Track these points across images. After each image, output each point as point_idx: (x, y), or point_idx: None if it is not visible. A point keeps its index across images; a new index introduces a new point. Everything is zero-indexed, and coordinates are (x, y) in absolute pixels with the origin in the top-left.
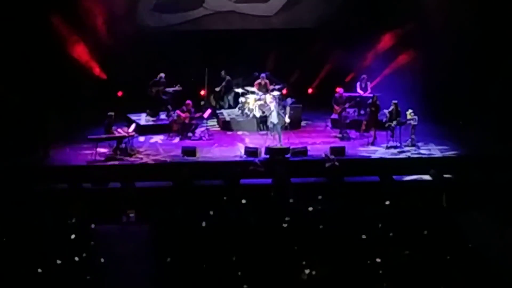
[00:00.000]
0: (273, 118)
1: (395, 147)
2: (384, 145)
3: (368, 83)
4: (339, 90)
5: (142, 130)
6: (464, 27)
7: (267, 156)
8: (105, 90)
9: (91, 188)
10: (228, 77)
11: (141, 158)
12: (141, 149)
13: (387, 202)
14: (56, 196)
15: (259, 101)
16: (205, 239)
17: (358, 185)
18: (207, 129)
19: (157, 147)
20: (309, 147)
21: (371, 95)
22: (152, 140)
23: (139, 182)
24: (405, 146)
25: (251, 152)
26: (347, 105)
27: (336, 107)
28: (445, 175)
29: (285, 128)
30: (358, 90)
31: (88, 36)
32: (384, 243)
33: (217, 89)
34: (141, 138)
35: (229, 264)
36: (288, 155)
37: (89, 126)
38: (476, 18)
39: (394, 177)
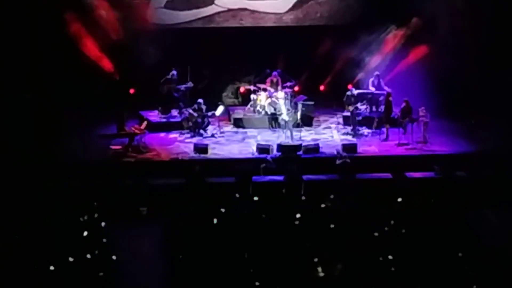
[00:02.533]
0: (285, 115)
1: (407, 144)
2: (396, 142)
3: (381, 80)
4: (351, 87)
5: (154, 127)
6: (476, 23)
7: (279, 153)
8: (117, 87)
9: (103, 185)
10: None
11: (154, 155)
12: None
13: (400, 199)
14: (68, 193)
15: (271, 98)
16: (217, 236)
17: (370, 182)
18: (219, 126)
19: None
20: (321, 144)
21: (383, 92)
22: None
23: (151, 179)
24: (417, 143)
25: (263, 149)
26: (359, 104)
27: (348, 107)
28: (458, 172)
29: (297, 125)
30: (370, 87)
31: (100, 34)
32: (396, 240)
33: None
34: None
35: (241, 261)
36: (300, 152)
37: (102, 123)
38: (488, 14)
39: (406, 174)
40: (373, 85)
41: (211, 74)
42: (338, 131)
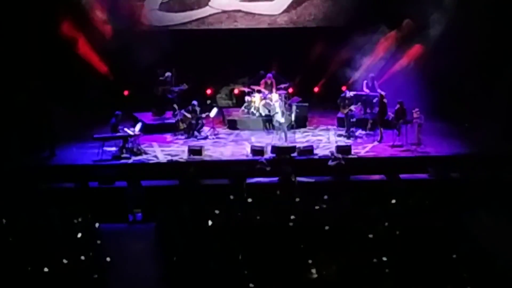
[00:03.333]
0: (279, 117)
1: (401, 145)
2: (390, 144)
3: (376, 82)
4: (345, 89)
5: (148, 129)
6: (471, 24)
7: (273, 155)
8: (112, 89)
9: (97, 187)
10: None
11: (147, 157)
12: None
13: (394, 201)
14: (63, 195)
15: (265, 100)
16: (211, 238)
17: (364, 183)
18: (213, 128)
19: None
20: (315, 146)
21: (377, 93)
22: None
23: (146, 181)
24: (411, 145)
25: (257, 151)
26: (353, 106)
27: (342, 109)
28: (452, 174)
29: (291, 127)
30: (364, 88)
31: (94, 35)
32: (390, 242)
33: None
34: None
35: (235, 262)
36: (294, 154)
37: (96, 125)
38: (483, 15)
39: (400, 175)
40: (367, 87)
41: (195, 77)
42: (335, 134)
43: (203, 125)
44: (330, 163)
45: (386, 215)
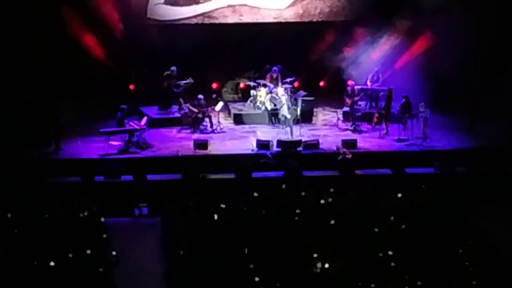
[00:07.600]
0: (285, 111)
1: (407, 140)
2: (396, 138)
3: (381, 76)
4: (350, 83)
5: (154, 123)
6: (476, 19)
7: (279, 149)
8: (117, 83)
9: (103, 181)
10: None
11: (153, 151)
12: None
13: (399, 195)
14: (68, 189)
15: (271, 94)
16: (217, 232)
17: (370, 177)
18: (218, 122)
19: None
20: (320, 140)
21: (383, 88)
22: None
23: (151, 175)
24: (417, 139)
25: (263, 145)
26: (356, 98)
27: (348, 100)
28: (457, 168)
29: (297, 121)
30: (368, 82)
31: (99, 29)
32: (396, 236)
33: None
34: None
35: (241, 256)
36: (300, 148)
37: (101, 119)
38: (488, 10)
39: (406, 169)
40: (372, 81)
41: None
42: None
43: (204, 119)
44: (339, 158)
45: (392, 209)
